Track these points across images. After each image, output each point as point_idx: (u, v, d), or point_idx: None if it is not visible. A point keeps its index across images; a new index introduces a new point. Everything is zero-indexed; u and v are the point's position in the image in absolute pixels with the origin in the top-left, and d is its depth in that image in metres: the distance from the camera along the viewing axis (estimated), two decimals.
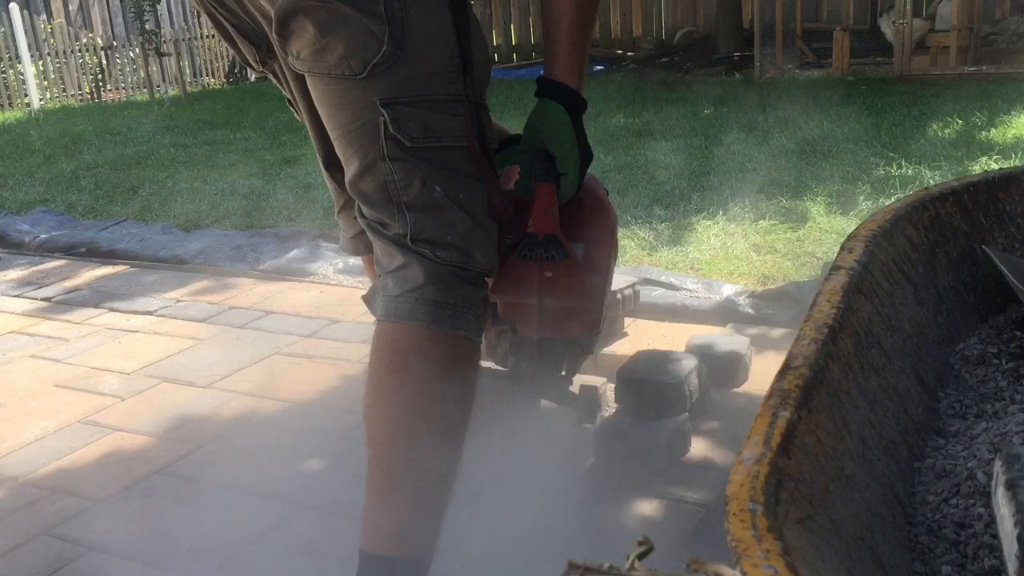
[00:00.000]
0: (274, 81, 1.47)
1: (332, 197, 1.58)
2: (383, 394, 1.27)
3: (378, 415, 1.28)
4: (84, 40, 10.95)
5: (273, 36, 1.26)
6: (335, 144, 1.29)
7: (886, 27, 7.39)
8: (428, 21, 1.21)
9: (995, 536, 0.78)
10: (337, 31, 1.19)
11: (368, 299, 1.46)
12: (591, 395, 1.81)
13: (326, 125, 1.29)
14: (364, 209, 1.29)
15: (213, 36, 11.34)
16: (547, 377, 1.65)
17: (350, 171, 1.27)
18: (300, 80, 1.33)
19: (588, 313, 1.50)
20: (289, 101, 1.49)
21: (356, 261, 3.09)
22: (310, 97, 1.32)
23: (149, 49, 9.53)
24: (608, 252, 1.52)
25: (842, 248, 1.05)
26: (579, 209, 1.50)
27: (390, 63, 1.20)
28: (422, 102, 1.22)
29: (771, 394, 0.75)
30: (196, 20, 11.68)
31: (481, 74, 1.30)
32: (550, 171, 1.39)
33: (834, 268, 1.00)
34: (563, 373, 1.68)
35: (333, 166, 1.44)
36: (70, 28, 11.10)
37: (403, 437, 1.26)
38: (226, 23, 1.38)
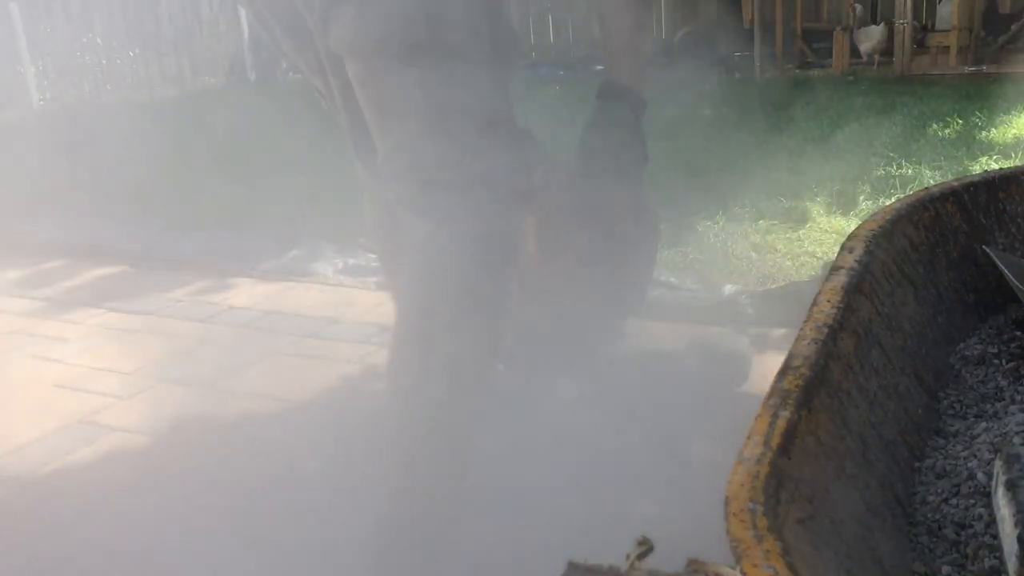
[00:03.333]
0: (305, 71, 1.52)
1: (361, 183, 1.63)
2: (408, 365, 1.32)
3: (400, 387, 1.32)
4: (84, 40, 10.94)
5: (316, 21, 1.31)
6: (370, 122, 1.33)
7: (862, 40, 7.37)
8: (464, 5, 1.27)
9: (995, 536, 0.78)
10: (376, 13, 1.24)
11: (390, 272, 1.50)
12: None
13: (362, 104, 1.34)
14: (394, 184, 1.33)
15: (213, 36, 11.33)
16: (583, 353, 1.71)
17: (384, 147, 1.32)
18: (338, 65, 1.37)
19: (639, 289, 1.64)
20: (319, 91, 1.54)
21: (356, 261, 3.09)
22: (347, 82, 1.36)
23: (149, 49, 9.52)
24: (656, 240, 1.64)
25: (842, 248, 1.05)
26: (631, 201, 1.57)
27: (426, 44, 1.24)
28: (455, 80, 1.27)
29: (771, 394, 0.74)
30: (196, 19, 11.67)
31: (510, 57, 1.36)
32: (619, 169, 1.45)
33: (834, 268, 1.00)
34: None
35: (364, 151, 1.49)
36: (70, 28, 11.09)
37: (425, 407, 1.30)
38: (267, 13, 1.44)
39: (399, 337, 1.35)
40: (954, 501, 0.86)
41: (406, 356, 1.34)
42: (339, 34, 1.28)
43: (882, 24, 7.33)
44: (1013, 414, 0.99)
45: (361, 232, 1.73)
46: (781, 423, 0.70)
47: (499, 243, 1.32)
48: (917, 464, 0.93)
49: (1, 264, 3.54)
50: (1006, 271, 1.18)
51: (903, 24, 6.92)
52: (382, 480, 1.37)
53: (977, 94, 5.63)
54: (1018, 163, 3.83)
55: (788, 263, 2.89)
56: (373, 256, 1.96)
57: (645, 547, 0.60)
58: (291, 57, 1.51)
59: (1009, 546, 0.70)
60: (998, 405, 1.03)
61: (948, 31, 7.06)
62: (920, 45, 7.18)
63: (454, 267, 1.29)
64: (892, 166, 3.98)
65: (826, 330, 0.85)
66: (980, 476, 0.88)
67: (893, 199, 2.56)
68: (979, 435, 0.96)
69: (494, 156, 1.30)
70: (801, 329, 0.86)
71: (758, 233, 3.18)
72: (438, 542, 1.34)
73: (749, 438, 0.68)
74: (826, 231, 3.16)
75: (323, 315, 2.68)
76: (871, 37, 7.20)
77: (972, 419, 1.01)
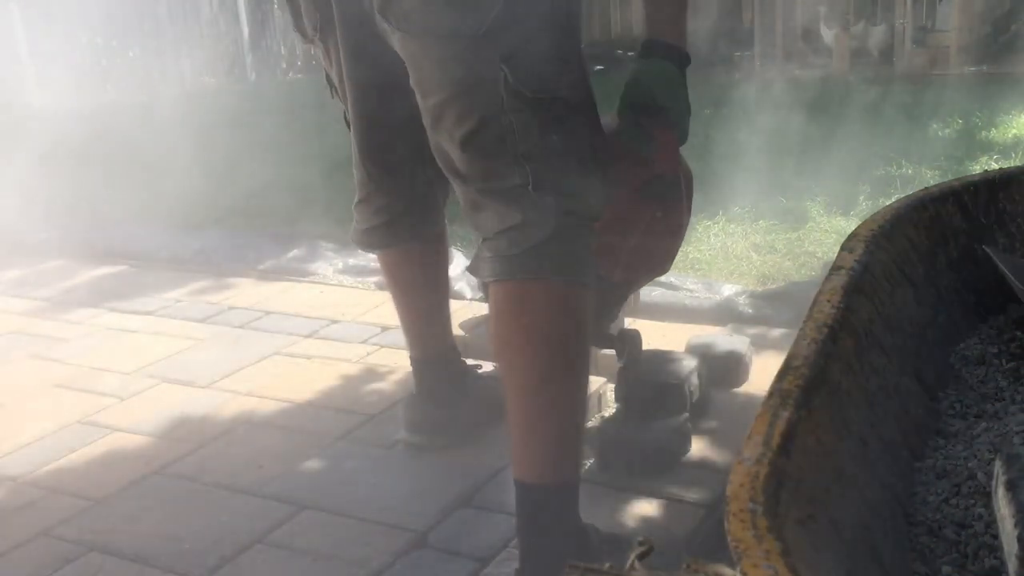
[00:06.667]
0: (323, 59, 1.51)
1: (356, 186, 1.62)
2: (517, 348, 1.34)
3: (515, 366, 1.34)
4: (84, 40, 10.93)
5: (374, 1, 1.29)
6: (438, 105, 1.31)
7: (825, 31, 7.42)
8: None
9: (995, 536, 0.78)
10: None
11: (474, 267, 1.47)
12: (631, 337, 1.79)
13: (427, 87, 1.31)
14: (478, 166, 1.31)
15: (213, 36, 11.33)
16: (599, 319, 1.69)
17: (462, 129, 1.30)
18: (358, 53, 1.39)
19: (672, 252, 1.59)
20: (332, 83, 1.53)
21: (356, 261, 3.09)
22: (364, 72, 1.38)
23: (149, 49, 9.53)
24: (690, 198, 1.59)
25: (842, 248, 1.05)
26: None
27: (505, 21, 1.24)
28: (537, 56, 1.27)
29: (771, 394, 0.74)
30: (196, 20, 11.67)
31: (581, 29, 1.37)
32: (667, 121, 1.44)
33: (834, 268, 1.00)
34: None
35: (373, 151, 1.48)
36: (70, 28, 11.09)
37: (541, 383, 1.32)
38: None
39: (503, 323, 1.35)
40: (954, 501, 0.86)
41: (511, 340, 1.35)
42: (408, 13, 1.26)
43: (883, 25, 7.34)
44: (1013, 414, 0.99)
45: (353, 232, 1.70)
46: (781, 423, 0.70)
47: (585, 211, 1.33)
48: (917, 464, 0.93)
49: (1, 264, 3.54)
50: (1006, 271, 1.18)
51: (903, 24, 6.92)
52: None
53: (977, 94, 5.63)
54: (1018, 163, 3.83)
55: (788, 263, 2.89)
56: (373, 256, 1.95)
57: (645, 547, 0.60)
58: (309, 39, 1.48)
59: (1009, 546, 0.70)
60: (998, 405, 1.03)
61: (948, 31, 7.06)
62: (920, 45, 7.17)
63: (550, 251, 1.30)
64: (892, 166, 3.98)
65: (826, 330, 0.85)
66: (980, 476, 0.88)
67: (893, 199, 2.56)
68: (979, 435, 0.96)
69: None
70: (801, 329, 0.86)
71: (758, 233, 3.18)
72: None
73: (749, 438, 0.68)
74: (826, 231, 3.16)
75: (323, 315, 2.68)
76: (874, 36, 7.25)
77: (972, 419, 1.01)
